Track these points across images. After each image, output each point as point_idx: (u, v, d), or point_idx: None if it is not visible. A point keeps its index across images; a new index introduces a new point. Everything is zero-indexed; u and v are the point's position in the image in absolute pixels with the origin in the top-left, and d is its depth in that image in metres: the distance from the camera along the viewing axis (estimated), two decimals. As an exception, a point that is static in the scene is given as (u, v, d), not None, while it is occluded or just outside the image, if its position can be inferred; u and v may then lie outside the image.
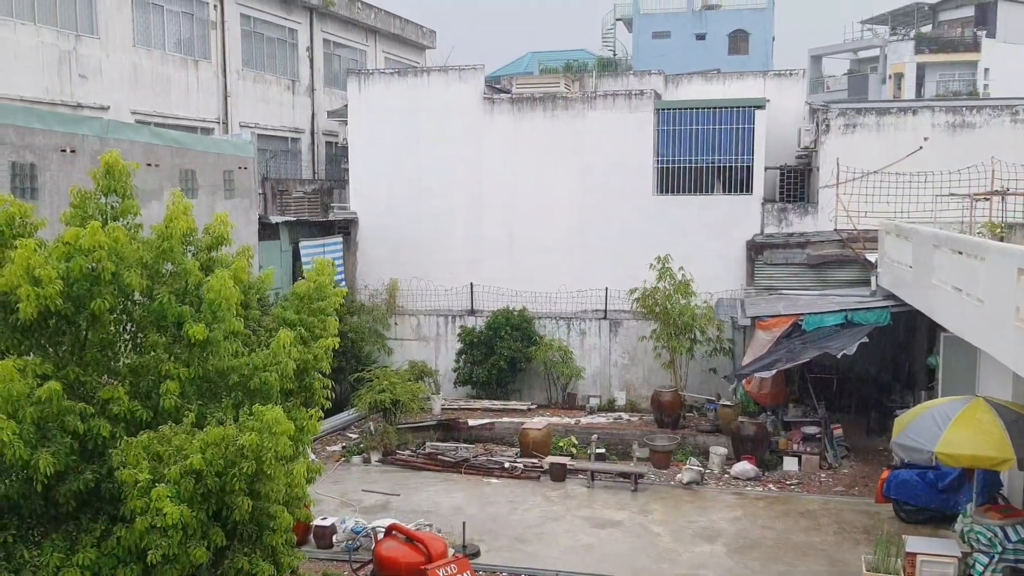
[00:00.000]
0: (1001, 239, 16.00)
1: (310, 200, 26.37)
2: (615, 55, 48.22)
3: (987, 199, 18.22)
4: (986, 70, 45.14)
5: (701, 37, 46.02)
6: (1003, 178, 19.48)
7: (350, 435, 21.26)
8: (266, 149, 27.80)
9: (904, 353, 21.58)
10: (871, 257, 20.56)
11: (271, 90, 28.48)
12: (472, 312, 24.21)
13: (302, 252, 23.00)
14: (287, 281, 21.86)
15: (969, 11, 48.32)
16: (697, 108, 23.41)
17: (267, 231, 22.26)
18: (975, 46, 45.62)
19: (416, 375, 21.35)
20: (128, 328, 9.20)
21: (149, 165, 16.88)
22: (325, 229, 24.96)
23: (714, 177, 23.31)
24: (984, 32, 45.99)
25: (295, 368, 9.29)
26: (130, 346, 9.21)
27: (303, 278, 13.42)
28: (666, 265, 20.80)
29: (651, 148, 23.37)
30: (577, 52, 47.94)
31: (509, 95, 25.09)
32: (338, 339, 10.27)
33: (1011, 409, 11.62)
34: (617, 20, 49.51)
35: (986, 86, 44.38)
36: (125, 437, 8.20)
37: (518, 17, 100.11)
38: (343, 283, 22.96)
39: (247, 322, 9.69)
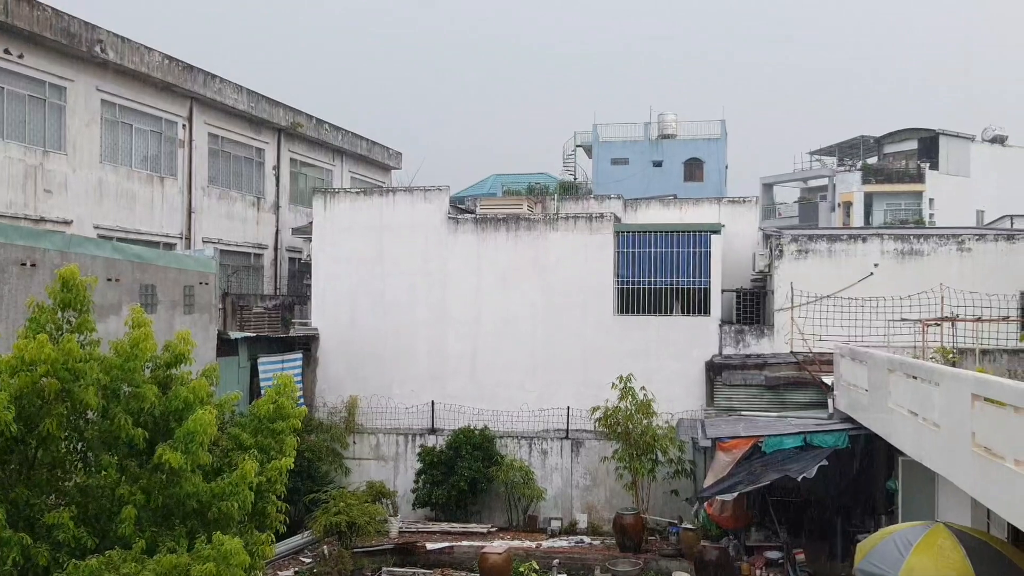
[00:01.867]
0: (953, 364, 16.34)
1: (271, 316, 26.26)
2: (576, 179, 49.59)
3: (938, 325, 18.69)
4: (931, 200, 47.04)
5: (658, 164, 47.62)
6: (952, 304, 20.09)
7: (303, 559, 20.51)
8: (228, 264, 27.82)
9: (863, 476, 21.59)
10: (827, 380, 20.84)
11: (236, 207, 28.72)
12: (433, 431, 23.93)
13: (260, 369, 22.73)
14: (244, 398, 21.51)
15: (912, 144, 50.64)
16: (655, 231, 24.02)
17: (225, 347, 22.03)
18: (919, 177, 47.65)
19: (373, 496, 20.85)
20: (78, 447, 8.94)
21: (109, 280, 16.78)
22: (285, 345, 24.77)
23: (673, 298, 23.71)
24: (927, 164, 48.12)
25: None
26: (80, 465, 8.93)
27: (261, 394, 13.17)
28: (628, 384, 20.86)
29: (611, 269, 23.81)
30: (539, 175, 49.24)
31: (473, 215, 25.58)
32: (294, 458, 10.06)
33: (972, 535, 11.61)
34: (577, 146, 51.12)
35: (931, 215, 46.15)
36: (73, 560, 7.86)
37: (483, 140, 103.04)
38: (301, 400, 22.65)
39: (203, 441, 9.48)
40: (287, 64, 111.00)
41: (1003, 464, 9.80)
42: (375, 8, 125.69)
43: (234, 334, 22.64)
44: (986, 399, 10.48)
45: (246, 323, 24.75)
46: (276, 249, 30.91)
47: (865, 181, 48.14)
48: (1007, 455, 9.75)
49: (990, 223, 40.49)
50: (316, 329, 25.23)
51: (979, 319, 19.45)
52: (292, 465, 9.72)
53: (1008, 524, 11.37)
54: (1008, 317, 20.20)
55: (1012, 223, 35.75)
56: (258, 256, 30.12)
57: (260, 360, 23.00)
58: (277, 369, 22.51)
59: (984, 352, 18.15)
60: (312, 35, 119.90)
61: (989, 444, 10.36)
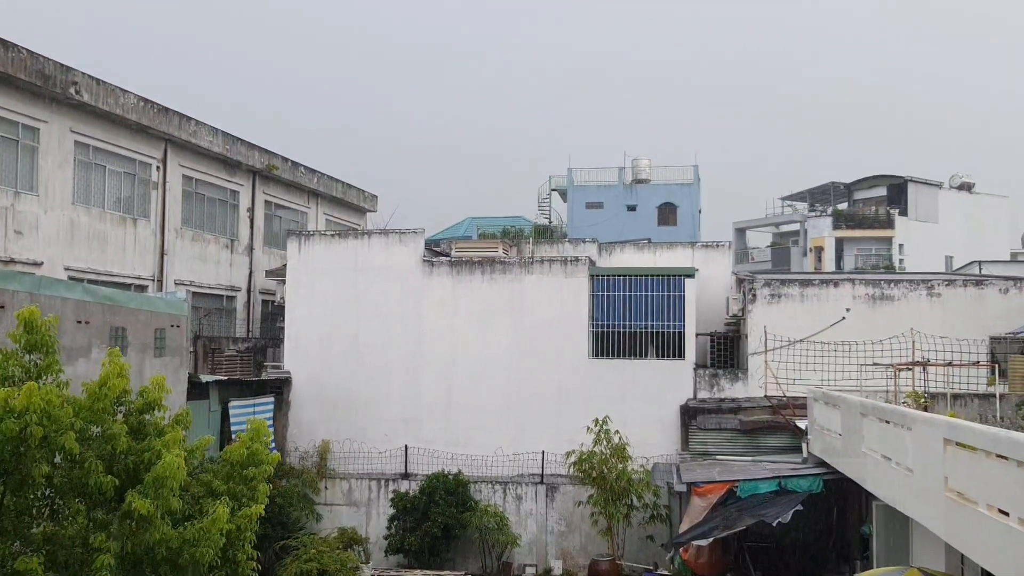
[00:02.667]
0: (925, 408, 16.45)
1: (242, 359, 26.02)
2: (551, 222, 49.88)
3: (909, 369, 18.86)
4: (900, 245, 47.77)
5: (632, 208, 48.02)
6: (923, 349, 20.27)
7: (273, 608, 20.09)
8: (200, 307, 27.58)
9: (838, 521, 21.58)
10: (801, 424, 20.89)
11: (209, 248, 28.57)
12: (406, 476, 23.67)
13: (231, 412, 22.43)
14: (215, 443, 21.18)
15: (882, 191, 51.53)
16: (630, 275, 24.13)
17: (196, 390, 21.72)
18: (889, 223, 48.45)
19: (345, 543, 20.55)
20: (47, 493, 8.74)
21: (79, 322, 16.55)
22: (257, 389, 24.49)
23: (647, 342, 23.76)
24: (897, 210, 48.93)
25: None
26: (47, 513, 8.72)
27: (232, 439, 12.96)
28: (603, 428, 20.80)
29: (586, 313, 23.85)
30: (515, 219, 49.47)
31: (448, 258, 25.58)
32: (265, 505, 9.90)
33: (946, 580, 11.61)
34: (553, 190, 51.50)
35: (901, 260, 46.82)
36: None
37: (459, 183, 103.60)
38: (273, 446, 22.34)
39: (173, 488, 9.31)
40: (263, 106, 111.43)
41: (976, 509, 9.84)
42: (353, 54, 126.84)
43: (205, 377, 22.37)
44: (958, 444, 10.55)
45: (217, 366, 24.49)
46: (249, 291, 30.72)
47: (836, 227, 48.85)
48: (980, 500, 9.80)
49: (959, 269, 41.10)
50: (288, 372, 24.99)
51: (950, 364, 19.65)
52: (264, 512, 9.55)
53: (982, 569, 11.36)
54: (978, 362, 20.41)
55: (980, 269, 36.30)
56: (231, 298, 29.91)
57: (231, 404, 22.71)
58: (248, 413, 22.23)
59: (955, 396, 18.33)
60: (287, 78, 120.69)
61: (962, 489, 10.40)
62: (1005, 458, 9.18)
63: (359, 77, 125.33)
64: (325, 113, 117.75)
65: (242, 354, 26.03)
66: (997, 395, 17.69)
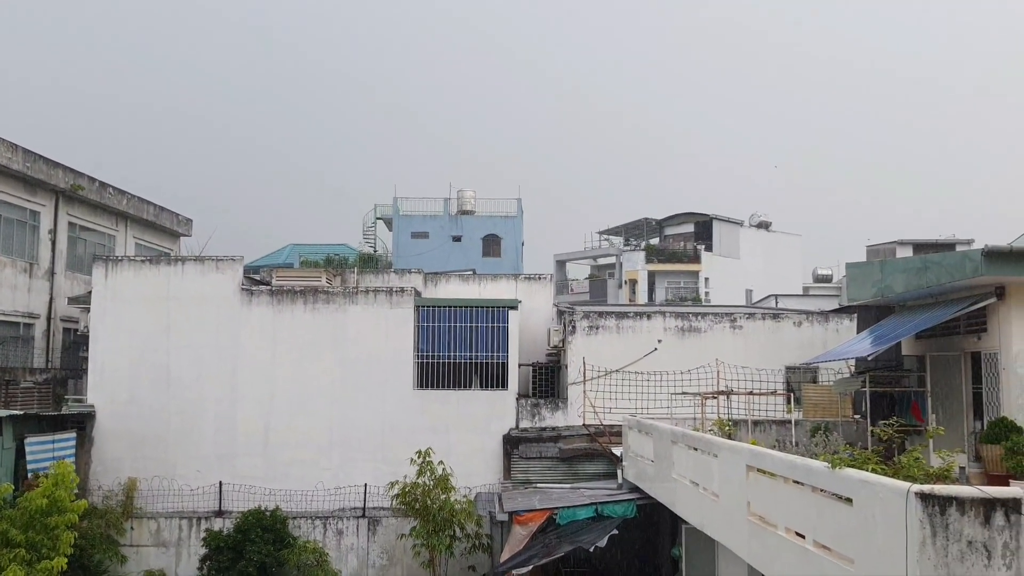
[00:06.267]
0: (729, 436, 17.49)
1: (40, 391, 24.20)
2: (376, 251, 49.54)
3: (715, 398, 20.03)
4: (706, 279, 50.80)
5: (457, 239, 48.58)
6: (727, 378, 21.60)
7: (69, 661, 18.67)
8: (-7, 335, 25.48)
9: (651, 544, 22.53)
10: (617, 451, 21.70)
11: (5, 272, 26.48)
12: (220, 513, 22.69)
13: (28, 450, 20.78)
14: (10, 484, 19.52)
15: (690, 227, 54.73)
16: (455, 307, 24.36)
17: (-13, 427, 20.05)
18: (696, 258, 51.44)
19: (153, 587, 19.41)
20: None
21: None
22: (57, 424, 22.81)
23: (472, 372, 24.03)
24: (703, 246, 52.03)
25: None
26: None
27: (28, 478, 12.09)
28: (426, 459, 20.76)
29: (411, 343, 23.84)
30: (339, 247, 48.79)
31: (269, 287, 24.87)
32: (68, 555, 9.25)
33: (748, 599, 12.35)
34: (378, 219, 51.26)
35: (707, 293, 49.76)
36: None
37: (279, 209, 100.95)
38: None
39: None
40: (69, 128, 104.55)
41: (775, 532, 10.57)
42: (168, 68, 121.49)
43: (-3, 413, 20.65)
44: (759, 470, 11.31)
45: (12, 399, 22.68)
46: (50, 319, 28.65)
47: (648, 260, 51.33)
48: (779, 523, 10.54)
49: (758, 302, 44.16)
50: (92, 406, 23.42)
51: (751, 392, 20.99)
52: (66, 565, 8.91)
53: (780, 587, 12.18)
54: (776, 391, 21.95)
55: (776, 302, 39.17)
56: (28, 326, 27.79)
57: (28, 440, 21.05)
58: (47, 450, 20.71)
59: (756, 423, 19.58)
60: (101, 97, 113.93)
61: (763, 513, 11.15)
62: (800, 484, 9.93)
63: (174, 93, 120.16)
64: (138, 131, 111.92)
65: (40, 386, 24.19)
66: (793, 422, 19.04)
